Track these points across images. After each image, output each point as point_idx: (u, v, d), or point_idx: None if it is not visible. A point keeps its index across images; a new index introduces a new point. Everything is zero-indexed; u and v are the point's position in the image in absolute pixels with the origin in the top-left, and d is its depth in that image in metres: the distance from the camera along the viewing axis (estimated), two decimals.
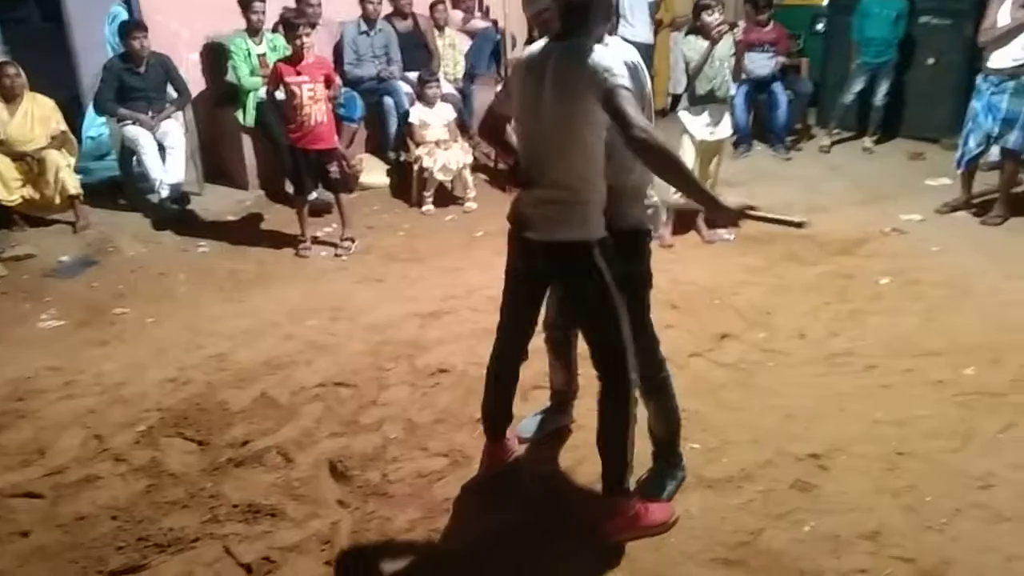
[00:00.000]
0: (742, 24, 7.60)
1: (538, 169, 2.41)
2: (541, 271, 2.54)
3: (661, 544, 2.56)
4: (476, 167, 6.16)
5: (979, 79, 5.36)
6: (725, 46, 4.96)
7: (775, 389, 3.46)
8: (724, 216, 2.35)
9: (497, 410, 2.88)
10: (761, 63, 7.20)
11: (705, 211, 2.29)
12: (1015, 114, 5.16)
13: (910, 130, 7.42)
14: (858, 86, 7.17)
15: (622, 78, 2.17)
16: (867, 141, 7.36)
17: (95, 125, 6.60)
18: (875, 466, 2.93)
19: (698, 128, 5.05)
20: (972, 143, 5.42)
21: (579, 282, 2.45)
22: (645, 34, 7.57)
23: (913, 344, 3.80)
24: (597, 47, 2.25)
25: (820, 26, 8.06)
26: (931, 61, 7.13)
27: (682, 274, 4.61)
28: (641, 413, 2.75)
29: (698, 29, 4.99)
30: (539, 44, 2.41)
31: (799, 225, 2.31)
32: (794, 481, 2.85)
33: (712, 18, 4.86)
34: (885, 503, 2.74)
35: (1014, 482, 2.81)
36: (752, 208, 2.30)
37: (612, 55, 2.23)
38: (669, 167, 2.20)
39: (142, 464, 3.04)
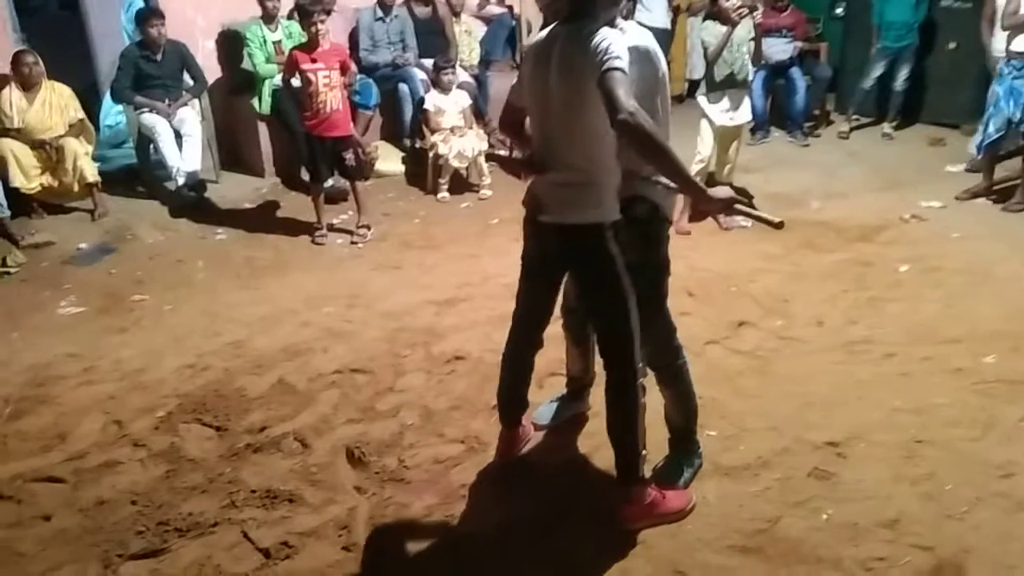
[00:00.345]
0: (761, 8, 7.53)
1: (550, 153, 2.41)
2: (555, 256, 2.53)
3: (678, 531, 2.56)
4: (488, 155, 6.13)
5: (1001, 63, 5.28)
6: (744, 30, 4.92)
7: (792, 377, 3.44)
8: (711, 207, 2.31)
9: (512, 397, 2.88)
10: (779, 48, 7.12)
11: (692, 201, 2.26)
12: None
13: (930, 116, 7.34)
14: (878, 71, 7.08)
15: (618, 60, 2.13)
16: (886, 127, 7.27)
17: (112, 113, 6.64)
18: (894, 454, 2.91)
19: (717, 113, 5.02)
20: (992, 128, 5.35)
21: (591, 267, 2.44)
22: (662, 19, 7.50)
23: (933, 332, 3.77)
24: (603, 30, 2.22)
25: (839, 10, 7.96)
26: (952, 46, 7.03)
27: (698, 261, 4.59)
28: (658, 400, 2.75)
29: (716, 14, 4.95)
30: (547, 29, 2.41)
31: (778, 225, 2.32)
32: (812, 469, 2.84)
33: (730, 3, 4.81)
34: (904, 491, 2.72)
35: None
36: (739, 201, 2.29)
37: (615, 37, 2.19)
38: (655, 153, 2.14)
39: (161, 449, 3.07)
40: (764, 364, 3.56)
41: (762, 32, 7.27)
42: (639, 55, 2.28)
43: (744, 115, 5.16)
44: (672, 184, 2.34)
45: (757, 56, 5.12)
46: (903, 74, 7.03)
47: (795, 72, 7.17)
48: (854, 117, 7.41)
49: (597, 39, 2.17)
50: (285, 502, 2.76)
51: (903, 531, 2.53)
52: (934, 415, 3.12)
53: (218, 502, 2.76)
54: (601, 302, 2.48)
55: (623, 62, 2.14)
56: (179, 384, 3.53)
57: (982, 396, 3.24)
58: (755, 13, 5.07)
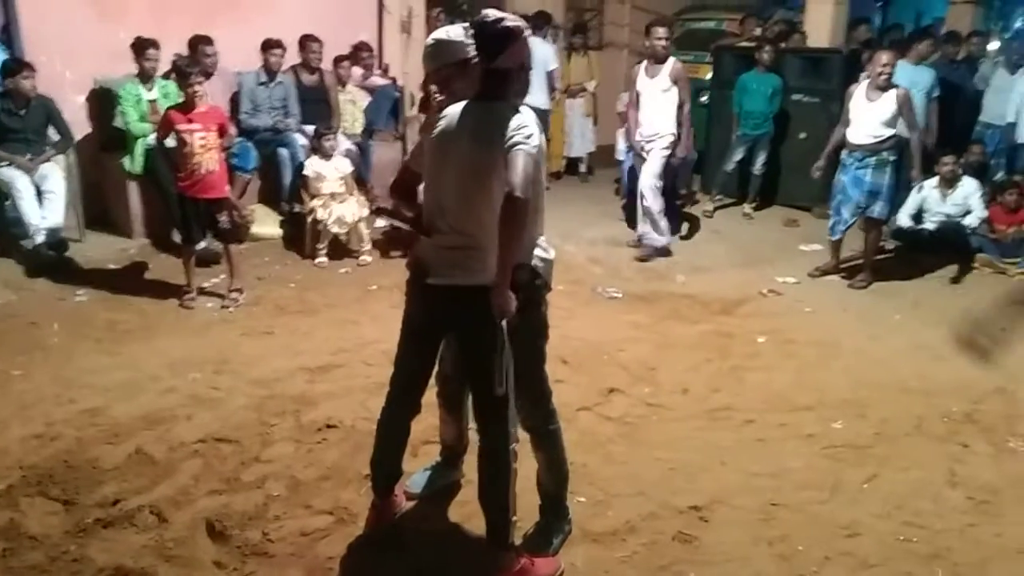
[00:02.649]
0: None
1: (441, 218, 2.50)
2: (440, 318, 2.58)
3: None
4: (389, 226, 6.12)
5: (844, 154, 5.78)
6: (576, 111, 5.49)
7: (659, 443, 3.56)
8: (501, 300, 2.35)
9: (387, 465, 2.85)
10: None
11: (493, 283, 2.37)
12: (879, 187, 5.59)
13: (785, 198, 7.89)
14: (738, 155, 7.62)
15: (531, 145, 2.34)
16: (746, 207, 7.78)
17: None
18: (752, 517, 3.04)
19: None
20: (846, 214, 5.80)
21: (475, 328, 2.49)
22: (544, 101, 7.79)
23: (787, 399, 4.00)
24: (523, 112, 2.42)
25: (704, 99, 8.53)
26: (803, 135, 7.65)
27: (573, 330, 4.70)
28: (530, 467, 2.78)
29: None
30: (458, 106, 2.52)
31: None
32: (676, 533, 2.92)
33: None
34: (761, 553, 2.84)
35: (877, 530, 2.97)
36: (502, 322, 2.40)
37: (533, 122, 2.40)
38: (514, 238, 2.32)
39: None
40: (633, 430, 3.67)
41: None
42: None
43: None
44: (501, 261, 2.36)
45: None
46: (760, 159, 7.60)
47: None
48: (717, 197, 7.87)
49: (518, 120, 2.37)
50: None
51: None
52: (788, 479, 3.30)
53: None
54: (483, 364, 2.52)
55: (535, 147, 2.35)
56: (24, 455, 3.28)
57: (831, 460, 3.46)
58: (584, 93, 5.61)
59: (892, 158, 5.58)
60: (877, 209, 5.67)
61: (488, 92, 2.47)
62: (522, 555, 2.61)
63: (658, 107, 6.18)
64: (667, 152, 6.19)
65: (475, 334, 2.50)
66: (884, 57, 5.50)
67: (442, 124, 2.53)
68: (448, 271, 2.48)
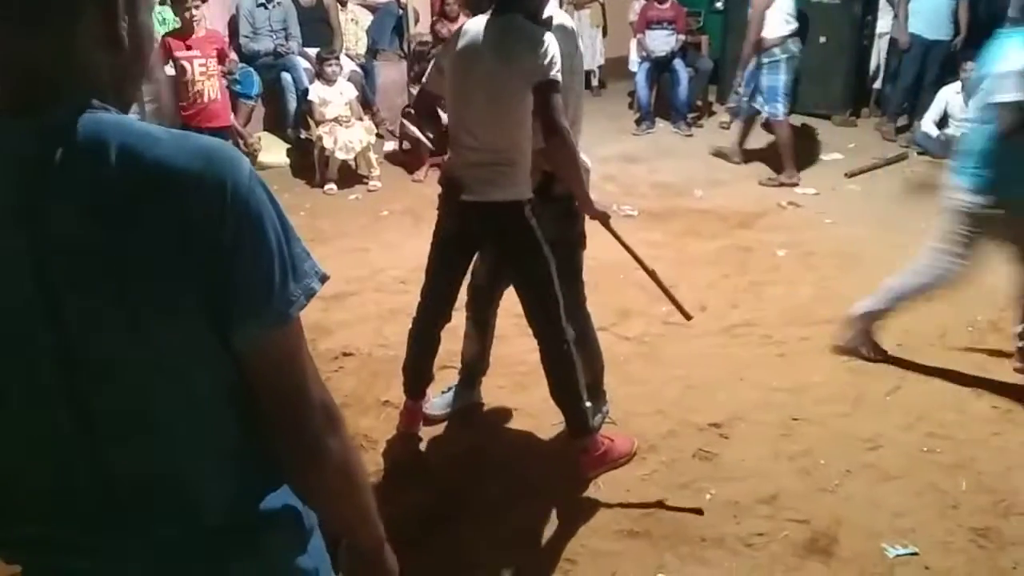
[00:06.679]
0: (641, 2, 7.71)
1: (469, 134, 2.51)
2: (475, 233, 2.66)
3: (566, 519, 2.58)
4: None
5: None
6: None
7: (677, 361, 3.53)
8: (592, 211, 2.62)
9: (418, 369, 2.92)
10: (662, 41, 7.30)
11: (577, 202, 2.58)
12: (762, 85, 5.90)
13: (804, 107, 7.62)
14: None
15: (558, 71, 2.34)
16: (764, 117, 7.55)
17: None
18: (772, 433, 3.03)
19: None
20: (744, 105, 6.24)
21: (513, 240, 2.58)
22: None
23: (808, 313, 3.94)
24: (546, 33, 2.37)
25: (719, 4, 8.22)
26: (823, 40, 7.37)
27: (588, 250, 4.61)
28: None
29: None
30: (478, 22, 2.48)
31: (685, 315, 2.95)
32: (696, 450, 2.92)
33: None
34: (782, 468, 2.83)
35: (900, 442, 2.95)
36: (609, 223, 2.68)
37: (555, 44, 2.35)
38: (570, 165, 2.43)
39: None
40: (651, 350, 3.64)
41: (644, 25, 7.50)
42: (564, 33, 2.48)
43: None
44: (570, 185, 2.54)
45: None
46: None
47: (678, 64, 7.35)
48: None
49: (543, 46, 2.32)
50: None
51: (781, 506, 2.63)
52: (809, 393, 3.27)
53: None
54: (527, 271, 2.63)
55: (557, 72, 2.34)
56: None
57: (852, 374, 3.42)
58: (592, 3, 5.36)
59: (780, 56, 5.74)
60: (767, 108, 5.90)
61: (508, 4, 2.42)
62: (602, 436, 2.78)
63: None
64: None
65: (514, 243, 2.59)
66: None
67: (463, 41, 2.49)
68: (482, 188, 2.51)
